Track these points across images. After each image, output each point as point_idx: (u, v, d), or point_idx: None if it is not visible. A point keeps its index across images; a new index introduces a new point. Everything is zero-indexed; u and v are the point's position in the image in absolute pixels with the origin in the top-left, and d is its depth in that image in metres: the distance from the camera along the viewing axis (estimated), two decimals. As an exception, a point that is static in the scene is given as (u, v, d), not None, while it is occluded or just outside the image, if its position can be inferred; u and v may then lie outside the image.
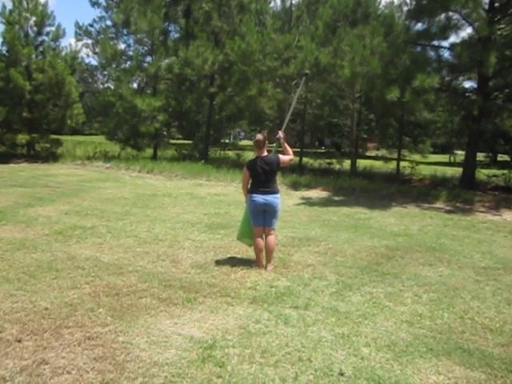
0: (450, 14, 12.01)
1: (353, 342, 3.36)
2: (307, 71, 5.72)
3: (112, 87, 21.27)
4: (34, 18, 18.13)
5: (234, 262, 5.24)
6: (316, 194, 11.90)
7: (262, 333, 3.44)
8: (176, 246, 5.87)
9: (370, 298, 4.27)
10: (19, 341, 3.17)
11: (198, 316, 3.71)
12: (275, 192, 5.03)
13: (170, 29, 20.63)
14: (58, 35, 18.91)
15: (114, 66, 19.11)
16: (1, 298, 3.91)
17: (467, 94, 13.28)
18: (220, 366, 2.94)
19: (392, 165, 15.37)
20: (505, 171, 14.16)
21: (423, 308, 4.08)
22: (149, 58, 19.03)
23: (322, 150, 25.64)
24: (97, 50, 23.15)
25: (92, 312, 3.68)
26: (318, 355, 3.13)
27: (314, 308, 3.95)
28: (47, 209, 8.02)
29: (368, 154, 24.45)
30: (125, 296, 4.05)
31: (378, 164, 16.79)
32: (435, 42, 12.85)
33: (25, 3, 17.89)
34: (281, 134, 5.22)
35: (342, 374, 2.90)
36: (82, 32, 24.37)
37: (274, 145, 5.46)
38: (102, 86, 43.89)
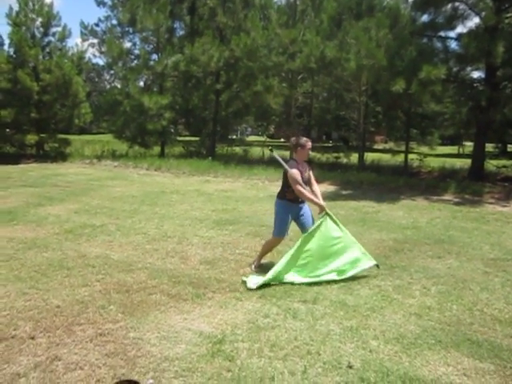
0: (457, 4, 11.90)
1: (361, 334, 3.37)
2: (270, 147, 5.61)
3: (119, 86, 21.41)
4: (40, 19, 18.27)
5: (242, 257, 5.28)
6: (324, 188, 11.86)
7: (270, 327, 3.47)
8: (185, 243, 5.91)
9: (379, 291, 4.28)
10: (32, 338, 3.24)
11: (207, 311, 3.75)
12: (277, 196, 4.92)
13: (175, 26, 20.68)
14: (64, 36, 19.05)
15: (120, 64, 19.22)
16: (14, 296, 3.98)
17: (475, 85, 13.16)
18: (229, 360, 2.98)
19: (400, 157, 15.25)
20: (514, 162, 14.02)
21: (432, 300, 4.08)
22: (155, 56, 19.12)
23: (330, 144, 25.54)
24: (103, 49, 23.17)
25: (103, 309, 3.74)
26: (326, 348, 3.16)
27: (322, 302, 3.97)
28: (57, 208, 8.11)
29: (376, 147, 24.30)
30: (135, 293, 4.10)
31: (385, 157, 16.67)
32: (442, 33, 12.73)
33: (31, 4, 18.03)
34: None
35: (350, 367, 2.92)
36: (87, 32, 24.35)
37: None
38: (108, 85, 44.06)
